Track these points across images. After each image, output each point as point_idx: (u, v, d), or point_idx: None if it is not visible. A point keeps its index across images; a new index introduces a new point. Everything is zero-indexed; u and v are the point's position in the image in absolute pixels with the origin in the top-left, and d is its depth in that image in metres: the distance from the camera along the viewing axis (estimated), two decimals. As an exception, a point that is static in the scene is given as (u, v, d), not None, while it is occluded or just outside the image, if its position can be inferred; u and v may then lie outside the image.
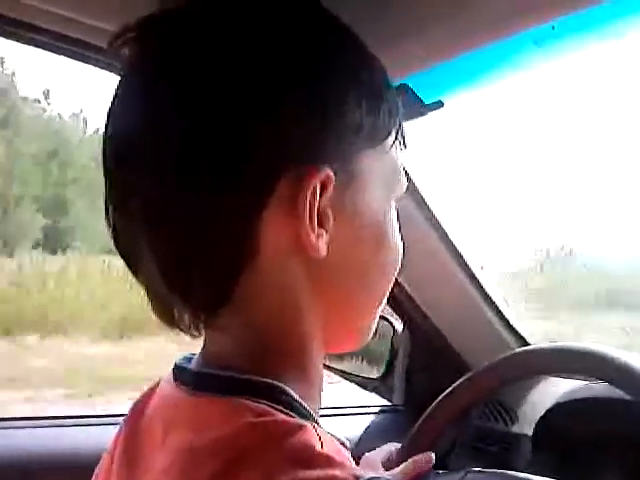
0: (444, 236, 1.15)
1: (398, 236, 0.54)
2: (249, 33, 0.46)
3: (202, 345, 0.53)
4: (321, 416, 0.52)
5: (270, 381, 0.47)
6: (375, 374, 1.37)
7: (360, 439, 1.29)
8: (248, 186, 0.45)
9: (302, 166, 0.45)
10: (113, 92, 0.49)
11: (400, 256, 0.55)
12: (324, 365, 0.54)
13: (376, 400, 1.41)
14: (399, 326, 1.34)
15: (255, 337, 0.49)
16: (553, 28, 0.62)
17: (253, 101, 0.45)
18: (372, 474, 0.41)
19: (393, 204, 0.54)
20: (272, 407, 0.46)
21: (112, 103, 0.49)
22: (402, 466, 0.91)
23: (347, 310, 0.53)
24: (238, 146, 0.44)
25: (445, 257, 1.17)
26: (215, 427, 0.45)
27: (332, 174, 0.46)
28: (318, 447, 0.42)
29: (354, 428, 1.32)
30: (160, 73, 0.46)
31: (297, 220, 0.46)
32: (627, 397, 0.84)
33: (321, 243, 0.47)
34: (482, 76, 0.76)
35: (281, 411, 0.46)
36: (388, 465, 0.94)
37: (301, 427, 0.44)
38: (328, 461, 0.42)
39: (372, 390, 1.41)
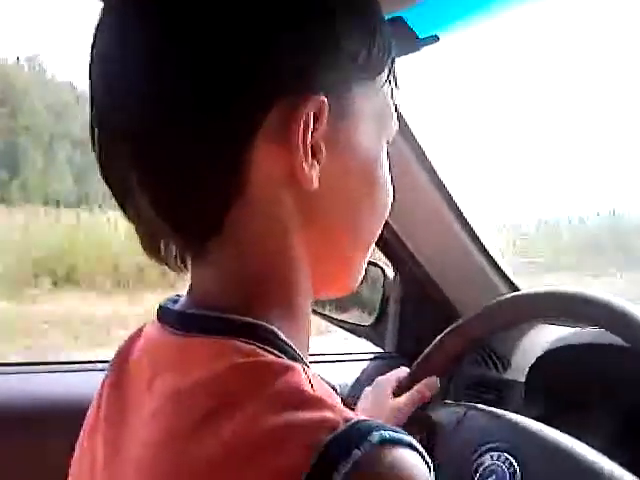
0: (438, 182, 1.13)
1: (389, 176, 0.54)
2: None
3: (188, 286, 0.52)
4: (312, 362, 0.51)
5: (258, 322, 0.46)
6: (367, 321, 1.37)
7: (352, 386, 1.28)
8: (240, 115, 0.44)
9: (295, 94, 0.45)
10: (95, 26, 0.47)
11: (390, 197, 0.54)
12: (316, 312, 0.53)
13: (368, 347, 1.41)
14: (390, 272, 1.33)
15: (243, 271, 0.48)
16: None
17: (246, 29, 0.44)
18: (362, 417, 0.41)
19: (385, 144, 0.53)
20: (260, 347, 0.45)
21: (95, 39, 0.47)
22: (405, 395, 0.92)
23: (336, 246, 0.52)
24: (230, 74, 0.44)
25: (438, 203, 1.15)
26: (202, 368, 0.44)
27: (325, 100, 0.46)
28: (308, 388, 0.42)
29: (346, 375, 1.31)
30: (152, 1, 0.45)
31: (290, 150, 0.45)
32: (619, 343, 0.83)
33: (314, 174, 0.46)
34: (479, 9, 0.72)
35: (269, 352, 0.45)
36: (397, 392, 0.95)
37: (290, 368, 0.43)
38: (318, 403, 0.41)
39: (363, 337, 1.41)
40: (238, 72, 0.44)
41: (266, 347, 0.45)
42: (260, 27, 0.44)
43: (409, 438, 0.40)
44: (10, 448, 1.05)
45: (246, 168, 0.45)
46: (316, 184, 0.46)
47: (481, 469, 0.81)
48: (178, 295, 0.53)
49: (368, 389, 0.99)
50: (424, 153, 1.08)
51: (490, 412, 0.87)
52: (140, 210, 0.47)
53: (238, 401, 0.42)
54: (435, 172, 1.12)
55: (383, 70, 0.51)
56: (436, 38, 0.73)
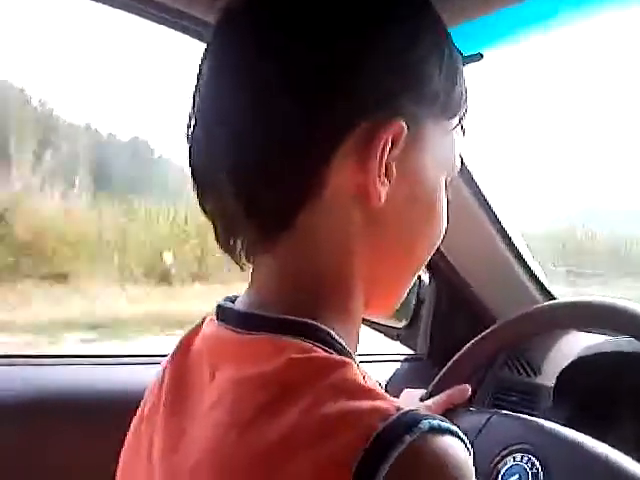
0: (474, 188, 1.16)
1: (445, 211, 0.57)
2: None
3: (248, 286, 0.55)
4: None
5: (313, 322, 0.50)
6: (400, 323, 1.40)
7: (385, 387, 1.32)
8: (327, 129, 0.48)
9: (380, 117, 0.49)
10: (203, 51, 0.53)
11: (444, 229, 0.58)
12: None
13: (401, 349, 1.44)
14: (425, 277, 1.36)
15: (306, 272, 0.52)
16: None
17: (344, 52, 0.48)
18: (412, 407, 0.44)
19: (444, 182, 0.57)
20: (316, 345, 0.48)
21: (208, 47, 0.53)
22: (436, 397, 0.95)
23: (391, 265, 0.56)
24: (326, 92, 0.48)
25: (474, 208, 1.18)
26: (261, 363, 0.47)
27: (405, 128, 0.49)
28: (361, 381, 0.45)
29: (378, 376, 1.33)
30: (260, 21, 0.50)
31: (366, 166, 0.49)
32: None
33: (383, 192, 0.50)
34: (521, 30, 0.76)
35: (324, 350, 0.48)
36: (425, 397, 0.97)
37: (344, 363, 0.46)
38: (371, 393, 0.44)
39: (397, 339, 1.44)
40: (331, 90, 0.48)
41: (321, 345, 0.48)
42: (356, 51, 0.48)
43: (455, 427, 0.44)
44: (61, 439, 1.10)
45: (325, 174, 0.49)
46: (383, 200, 0.50)
47: (503, 470, 0.83)
48: (235, 295, 0.57)
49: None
50: (462, 161, 1.11)
51: (513, 416, 0.89)
52: (222, 200, 0.51)
53: (296, 393, 0.44)
54: (472, 177, 1.14)
55: (458, 114, 0.55)
56: (480, 56, 0.76)
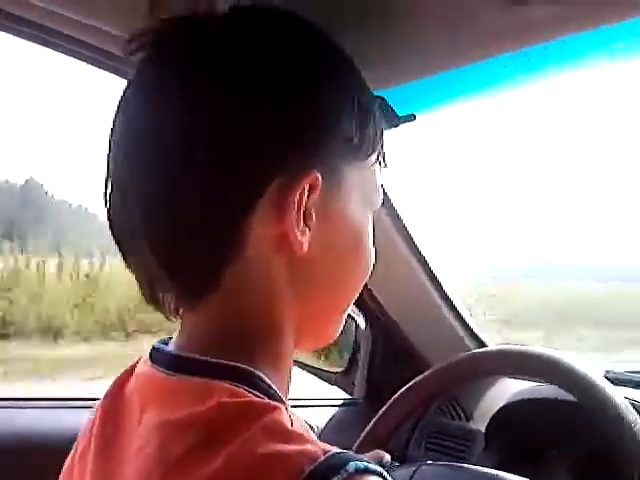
0: (408, 238, 1.19)
1: (372, 245, 0.59)
2: (257, 51, 0.51)
3: (179, 329, 0.55)
4: None
5: (245, 366, 0.50)
6: (338, 368, 1.42)
7: (322, 431, 1.32)
8: (244, 185, 0.49)
9: (293, 169, 0.50)
10: (122, 92, 0.53)
11: (372, 263, 0.59)
12: None
13: (338, 393, 1.45)
14: (362, 322, 1.39)
15: (235, 323, 0.52)
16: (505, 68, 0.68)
17: (258, 108, 0.49)
18: (339, 449, 0.45)
19: (370, 216, 0.58)
20: (246, 390, 0.48)
21: (121, 101, 0.52)
22: None
23: (320, 306, 0.57)
24: (237, 147, 0.49)
25: (407, 258, 1.21)
26: (188, 406, 0.47)
27: (319, 177, 0.51)
28: (289, 425, 0.46)
29: (316, 420, 1.34)
30: (172, 77, 0.50)
31: (284, 217, 0.50)
32: (570, 398, 0.90)
33: (304, 240, 0.51)
34: (453, 94, 0.81)
35: (255, 394, 0.48)
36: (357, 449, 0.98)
37: (274, 407, 0.47)
38: (299, 437, 0.45)
39: (334, 384, 1.45)
40: (245, 143, 0.49)
41: (251, 390, 0.48)
42: (270, 108, 0.49)
43: (380, 469, 0.45)
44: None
45: (245, 230, 0.49)
46: (305, 249, 0.51)
47: None
48: (170, 337, 0.56)
49: None
50: (396, 210, 1.14)
51: (442, 464, 0.91)
52: (143, 261, 0.51)
53: (223, 436, 0.44)
54: (406, 229, 1.18)
55: (374, 151, 0.56)
56: (413, 117, 0.81)
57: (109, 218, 0.53)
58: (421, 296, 1.27)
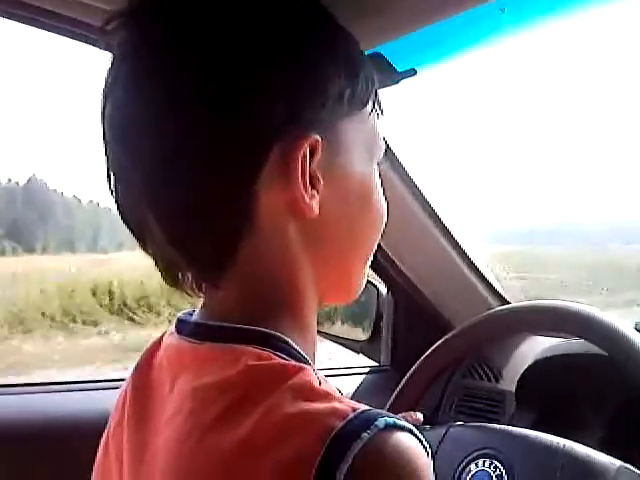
0: (424, 202, 1.17)
1: (382, 195, 0.59)
2: (239, 17, 0.50)
3: (203, 302, 0.56)
4: None
5: (269, 330, 0.51)
6: (363, 336, 1.41)
7: (351, 398, 1.31)
8: (243, 154, 0.49)
9: (291, 135, 0.49)
10: (108, 68, 0.52)
11: (385, 214, 0.59)
12: None
13: (364, 361, 1.45)
14: (383, 289, 1.38)
15: (255, 291, 0.53)
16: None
17: (244, 77, 0.48)
18: (368, 407, 0.45)
19: (375, 167, 0.58)
20: (273, 353, 0.49)
21: (107, 79, 0.52)
22: None
23: (339, 264, 0.57)
24: (232, 118, 0.48)
25: (425, 221, 1.19)
26: (219, 371, 0.48)
27: (319, 139, 0.50)
28: (317, 384, 0.47)
29: (344, 388, 1.34)
30: (159, 54, 0.49)
31: (290, 183, 0.50)
32: (602, 352, 0.87)
33: (314, 203, 0.51)
34: (453, 46, 0.77)
35: (282, 357, 0.49)
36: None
37: (301, 369, 0.48)
38: (328, 396, 0.46)
39: (360, 352, 1.44)
40: (237, 113, 0.48)
41: (278, 353, 0.49)
42: (256, 75, 0.49)
43: (409, 425, 0.45)
44: (21, 468, 1.08)
45: (253, 200, 0.50)
46: (316, 212, 0.51)
47: (468, 477, 0.84)
48: (193, 309, 0.58)
49: None
50: (410, 176, 1.13)
51: (472, 425, 0.90)
52: (158, 246, 0.52)
53: (253, 398, 0.45)
54: (421, 193, 1.16)
55: (368, 103, 0.56)
56: (414, 72, 0.78)
57: (118, 208, 0.53)
58: (440, 257, 1.25)
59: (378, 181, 0.58)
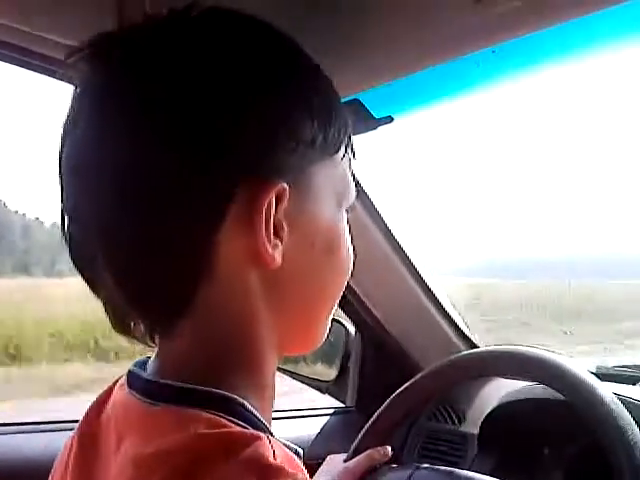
0: (394, 242, 1.19)
1: (349, 243, 0.56)
2: (207, 56, 0.48)
3: (156, 352, 0.53)
4: (276, 419, 0.53)
5: (225, 393, 0.48)
6: (329, 377, 1.41)
7: (315, 440, 1.32)
8: (206, 197, 0.46)
9: (258, 180, 0.47)
10: (69, 104, 0.50)
11: (351, 262, 0.57)
12: (279, 368, 0.55)
13: (330, 402, 1.45)
14: (352, 329, 1.38)
15: (211, 345, 0.50)
16: (493, 52, 0.67)
17: (211, 118, 0.46)
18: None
19: (344, 213, 0.56)
20: (226, 419, 0.46)
21: (69, 116, 0.49)
22: (357, 458, 0.95)
23: (303, 313, 0.55)
24: (196, 160, 0.46)
25: (395, 262, 1.21)
26: (165, 436, 0.44)
27: (286, 187, 0.48)
28: (271, 458, 0.43)
29: (309, 429, 1.35)
30: (113, 93, 0.47)
31: (253, 232, 0.47)
32: (561, 397, 0.89)
33: (277, 253, 0.48)
34: (429, 95, 0.81)
35: (236, 423, 0.46)
36: (350, 456, 0.98)
37: (255, 438, 0.44)
38: (281, 471, 0.42)
39: (326, 392, 1.44)
40: (203, 160, 0.45)
41: (232, 419, 0.46)
42: (220, 120, 0.46)
43: None
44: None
45: (213, 250, 0.47)
46: (279, 261, 0.48)
47: None
48: (147, 357, 0.54)
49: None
50: (380, 215, 1.14)
51: (437, 469, 0.90)
52: (108, 292, 0.49)
53: (198, 472, 0.42)
54: (391, 233, 1.17)
55: (340, 148, 0.53)
56: (390, 119, 0.81)
57: (70, 250, 0.50)
58: (409, 299, 1.27)
59: (346, 227, 0.56)
